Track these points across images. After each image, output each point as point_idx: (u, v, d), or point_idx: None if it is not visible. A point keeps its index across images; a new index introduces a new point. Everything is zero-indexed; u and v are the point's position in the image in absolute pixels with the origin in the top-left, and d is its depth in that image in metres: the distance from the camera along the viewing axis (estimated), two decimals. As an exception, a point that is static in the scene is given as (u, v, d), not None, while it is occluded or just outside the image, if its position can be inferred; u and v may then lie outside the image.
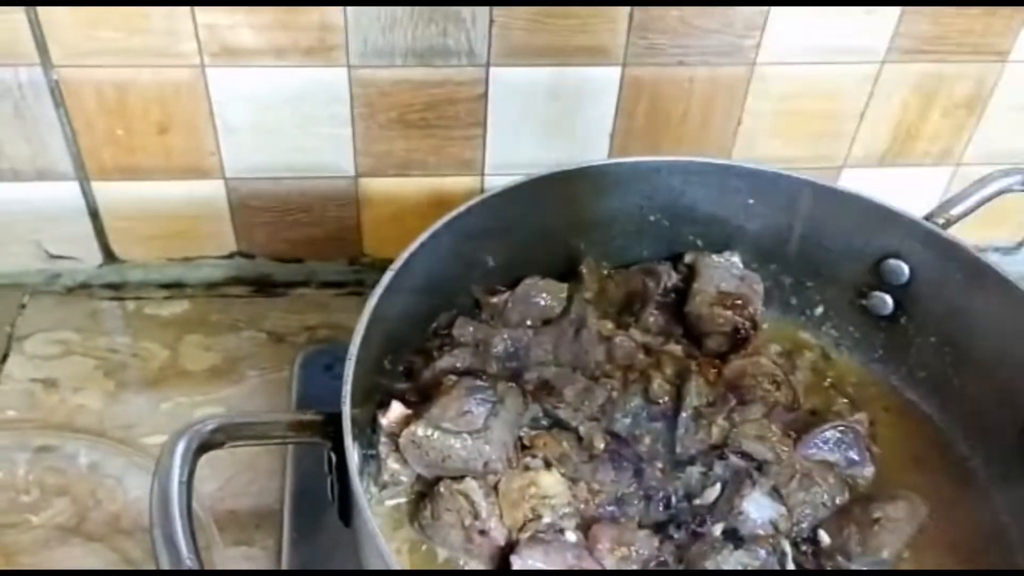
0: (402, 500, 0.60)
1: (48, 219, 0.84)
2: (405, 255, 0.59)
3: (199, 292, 0.89)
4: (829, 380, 0.71)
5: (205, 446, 0.45)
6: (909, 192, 0.90)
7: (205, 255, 0.89)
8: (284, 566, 0.66)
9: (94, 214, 0.84)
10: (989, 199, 0.69)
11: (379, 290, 0.56)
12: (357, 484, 0.46)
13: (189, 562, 0.39)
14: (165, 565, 0.41)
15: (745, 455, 0.59)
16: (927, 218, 0.67)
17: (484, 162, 0.84)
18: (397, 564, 0.43)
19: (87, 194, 0.83)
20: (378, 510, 0.59)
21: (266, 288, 0.90)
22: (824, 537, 0.59)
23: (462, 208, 0.63)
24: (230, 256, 0.89)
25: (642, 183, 0.70)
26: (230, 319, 0.87)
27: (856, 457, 0.63)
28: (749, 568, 0.55)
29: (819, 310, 0.74)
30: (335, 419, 0.49)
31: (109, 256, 0.88)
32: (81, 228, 0.85)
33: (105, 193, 0.83)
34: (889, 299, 0.70)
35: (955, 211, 0.68)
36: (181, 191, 0.84)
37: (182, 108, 0.78)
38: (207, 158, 0.81)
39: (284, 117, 0.80)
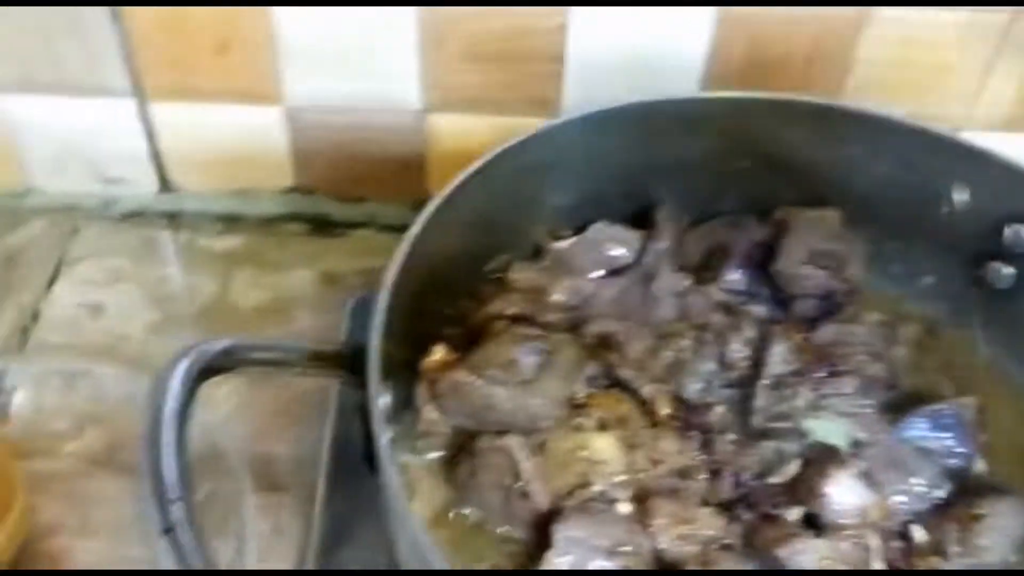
0: (437, 455, 0.54)
1: (105, 139, 0.81)
2: (450, 188, 0.53)
3: (255, 227, 0.85)
4: (935, 358, 0.62)
5: (210, 369, 0.40)
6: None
7: (263, 187, 0.85)
8: (316, 515, 0.61)
9: (151, 136, 0.81)
10: None
11: (419, 225, 0.50)
12: (380, 425, 0.41)
13: (175, 501, 0.34)
14: (151, 501, 0.36)
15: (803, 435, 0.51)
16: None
17: (560, 102, 0.77)
18: (419, 521, 0.37)
19: (144, 114, 0.79)
20: (413, 464, 0.54)
21: (324, 227, 0.85)
22: (918, 533, 0.51)
23: (517, 140, 0.56)
24: (288, 191, 0.85)
25: (731, 122, 0.61)
26: (284, 257, 0.82)
27: (959, 447, 0.55)
28: (825, 559, 0.47)
29: (928, 279, 0.65)
30: (360, 353, 0.43)
31: (165, 183, 0.84)
32: (138, 151, 0.82)
33: (162, 114, 0.79)
34: (1009, 269, 0.61)
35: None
36: (239, 117, 0.79)
37: (242, 27, 0.73)
38: (267, 82, 0.77)
39: (349, 40, 0.74)
